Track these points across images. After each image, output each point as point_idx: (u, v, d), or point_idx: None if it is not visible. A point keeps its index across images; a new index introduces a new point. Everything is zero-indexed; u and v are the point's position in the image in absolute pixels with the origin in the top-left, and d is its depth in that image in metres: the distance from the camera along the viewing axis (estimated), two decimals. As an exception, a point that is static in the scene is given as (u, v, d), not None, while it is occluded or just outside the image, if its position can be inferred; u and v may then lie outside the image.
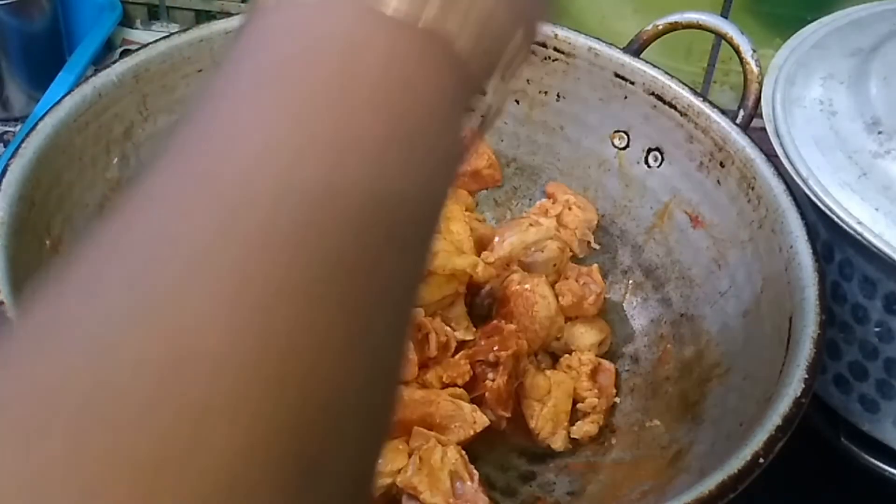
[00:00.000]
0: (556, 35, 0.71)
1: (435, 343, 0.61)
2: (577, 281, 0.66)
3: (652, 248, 0.69)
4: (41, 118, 0.58)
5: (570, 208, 0.69)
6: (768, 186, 0.60)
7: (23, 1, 0.83)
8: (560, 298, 0.65)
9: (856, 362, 0.60)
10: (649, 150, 0.69)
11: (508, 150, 0.75)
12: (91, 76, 0.62)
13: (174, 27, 0.96)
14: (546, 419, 0.62)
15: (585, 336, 0.65)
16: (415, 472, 0.55)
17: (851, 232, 0.55)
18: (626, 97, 0.69)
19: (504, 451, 0.63)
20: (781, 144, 0.59)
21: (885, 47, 0.62)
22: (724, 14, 0.84)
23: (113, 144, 0.63)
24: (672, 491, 0.54)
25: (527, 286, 0.64)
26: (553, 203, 0.70)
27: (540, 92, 0.73)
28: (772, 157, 0.61)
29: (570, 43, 0.71)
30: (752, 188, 0.62)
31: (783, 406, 0.49)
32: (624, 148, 0.71)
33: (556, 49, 0.71)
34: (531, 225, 0.67)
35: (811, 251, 0.56)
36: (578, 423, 0.63)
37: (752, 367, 0.57)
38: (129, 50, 0.92)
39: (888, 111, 0.59)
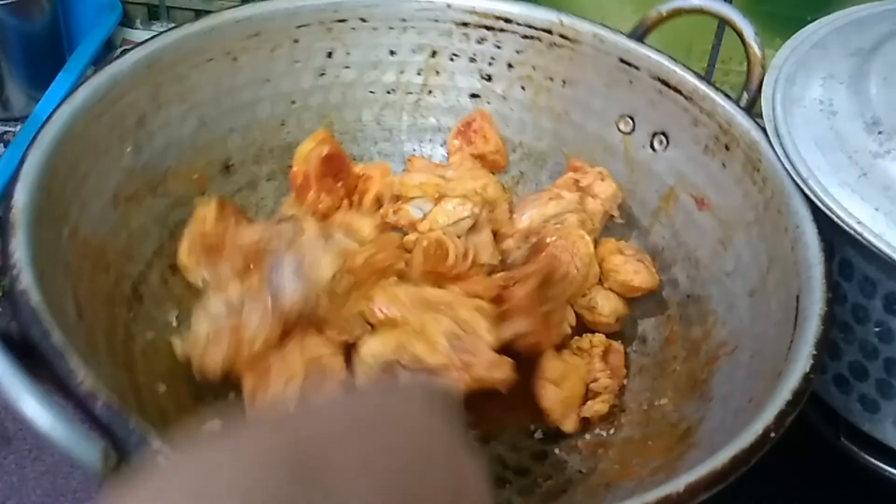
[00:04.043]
0: (561, 22, 0.72)
1: (453, 253, 0.61)
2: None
3: (658, 231, 0.70)
4: (57, 107, 0.59)
5: (602, 179, 0.69)
6: (773, 168, 0.61)
7: (23, 1, 0.83)
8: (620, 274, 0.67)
9: (856, 362, 0.60)
10: (654, 135, 0.70)
11: (514, 136, 0.76)
12: (105, 66, 0.63)
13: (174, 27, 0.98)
14: (559, 402, 0.63)
15: (611, 301, 0.66)
16: (411, 340, 0.56)
17: (851, 232, 0.55)
18: (631, 82, 0.70)
19: (515, 431, 0.64)
20: (781, 144, 0.59)
21: (885, 47, 0.62)
22: (725, 14, 0.84)
23: (126, 133, 0.64)
24: (683, 467, 0.55)
25: (566, 231, 0.65)
26: (584, 174, 0.70)
27: (546, 78, 0.74)
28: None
29: (575, 29, 0.72)
30: (758, 170, 0.63)
31: (792, 381, 0.50)
32: (629, 132, 0.71)
33: (561, 35, 0.72)
34: (551, 199, 0.68)
35: (816, 231, 0.57)
36: (589, 402, 0.64)
37: (759, 345, 0.58)
38: (128, 51, 0.93)
39: (888, 111, 0.59)
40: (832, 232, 0.57)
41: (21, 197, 0.53)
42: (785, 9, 0.84)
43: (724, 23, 0.70)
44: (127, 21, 0.97)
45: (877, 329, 0.58)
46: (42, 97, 0.81)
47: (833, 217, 0.56)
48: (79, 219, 0.59)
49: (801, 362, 0.51)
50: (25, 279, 0.49)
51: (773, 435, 0.48)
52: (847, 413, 0.61)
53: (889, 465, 0.62)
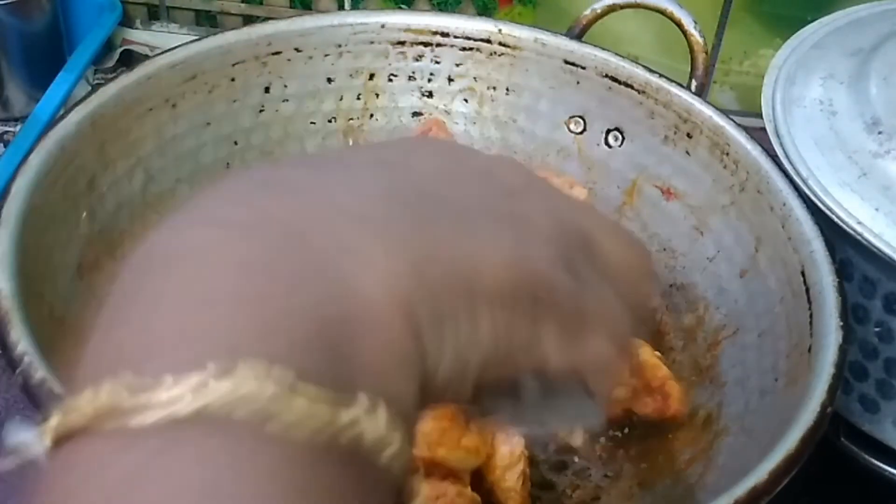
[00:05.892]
0: (499, 30, 0.71)
1: None
2: None
3: (626, 226, 0.70)
4: (12, 179, 0.54)
5: (571, 186, 0.69)
6: (744, 150, 0.63)
7: (23, 1, 0.83)
8: None
9: (856, 362, 0.60)
10: (608, 131, 0.71)
11: (460, 150, 0.74)
12: (50, 129, 0.58)
13: (174, 27, 0.97)
14: None
15: None
16: None
17: (851, 232, 0.55)
18: (578, 82, 0.70)
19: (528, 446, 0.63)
20: (781, 144, 0.60)
21: (885, 47, 0.63)
22: (724, 14, 0.84)
23: (79, 198, 0.59)
24: (719, 454, 0.55)
25: None
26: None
27: (488, 87, 0.73)
28: (771, 157, 0.62)
29: (514, 36, 0.71)
30: (727, 154, 0.64)
31: (829, 355, 0.51)
32: (581, 132, 0.72)
33: (500, 44, 0.72)
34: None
35: (805, 206, 0.59)
36: None
37: (765, 325, 0.59)
38: (129, 50, 0.93)
39: (888, 111, 0.59)
40: (832, 232, 0.57)
41: (4, 285, 0.49)
42: (785, 9, 0.84)
43: (663, 15, 0.71)
44: (127, 21, 0.96)
45: (877, 329, 0.58)
46: (42, 97, 0.78)
47: (833, 217, 0.56)
48: (52, 298, 0.54)
49: (832, 335, 0.52)
50: (38, 369, 0.45)
51: (829, 410, 0.49)
52: (847, 413, 0.62)
53: (889, 465, 0.62)
